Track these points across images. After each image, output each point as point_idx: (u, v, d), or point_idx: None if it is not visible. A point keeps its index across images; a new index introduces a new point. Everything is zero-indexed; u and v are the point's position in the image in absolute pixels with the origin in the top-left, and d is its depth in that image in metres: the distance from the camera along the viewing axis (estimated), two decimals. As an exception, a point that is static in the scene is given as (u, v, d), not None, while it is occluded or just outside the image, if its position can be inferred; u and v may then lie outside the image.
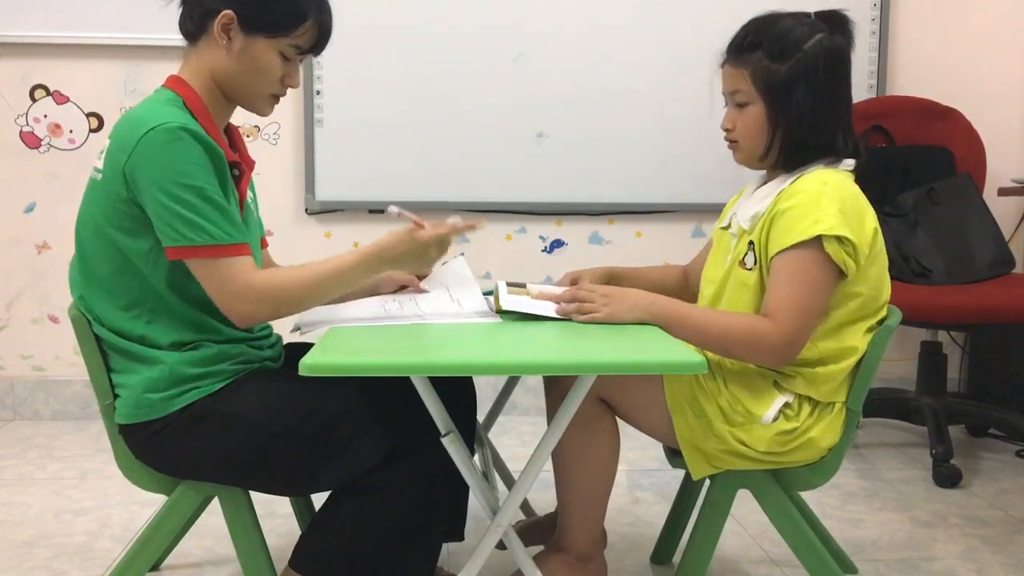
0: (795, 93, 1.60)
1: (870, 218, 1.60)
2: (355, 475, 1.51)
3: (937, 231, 2.85)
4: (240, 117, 1.69)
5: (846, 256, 1.53)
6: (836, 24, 1.65)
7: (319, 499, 1.62)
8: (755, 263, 1.62)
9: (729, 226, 1.75)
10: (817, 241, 1.52)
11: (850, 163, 1.65)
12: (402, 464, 1.52)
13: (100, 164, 1.53)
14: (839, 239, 1.52)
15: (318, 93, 3.04)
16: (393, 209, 1.66)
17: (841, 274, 1.56)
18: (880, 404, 2.98)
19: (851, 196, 1.59)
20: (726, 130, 1.70)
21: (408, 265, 1.56)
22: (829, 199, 1.55)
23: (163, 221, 1.45)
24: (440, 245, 1.56)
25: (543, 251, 3.23)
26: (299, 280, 1.51)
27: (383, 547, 1.52)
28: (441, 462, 1.49)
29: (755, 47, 1.63)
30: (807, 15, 1.66)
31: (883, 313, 1.66)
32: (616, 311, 1.56)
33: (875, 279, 1.62)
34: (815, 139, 1.62)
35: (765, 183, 1.70)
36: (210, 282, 1.47)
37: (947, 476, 2.57)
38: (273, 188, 3.06)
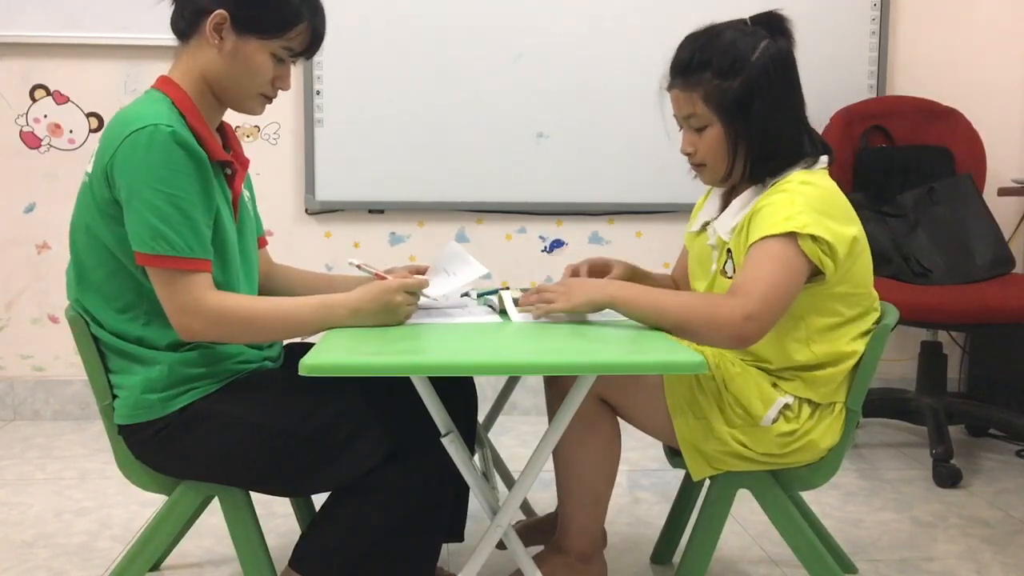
0: (752, 107, 1.57)
1: (848, 217, 1.58)
2: (355, 475, 1.51)
3: (937, 231, 2.85)
4: (241, 116, 1.69)
5: (822, 254, 1.51)
6: (775, 27, 1.62)
7: (319, 499, 1.62)
8: (735, 270, 1.62)
9: (703, 232, 1.74)
10: (791, 236, 1.50)
11: (824, 160, 1.64)
12: (402, 464, 1.52)
13: (90, 167, 1.53)
14: (813, 238, 1.50)
15: (318, 93, 3.04)
16: (353, 262, 1.66)
17: (818, 272, 1.54)
18: (880, 404, 2.98)
19: (828, 196, 1.57)
20: (687, 154, 1.67)
21: (378, 318, 1.52)
22: (804, 197, 1.53)
23: (132, 224, 1.45)
24: (404, 292, 1.53)
25: (543, 251, 3.23)
26: (252, 311, 1.50)
27: (383, 547, 1.52)
28: (441, 462, 1.49)
29: (703, 67, 1.59)
30: (744, 23, 1.63)
31: (876, 314, 1.65)
32: (573, 299, 1.54)
33: (859, 276, 1.61)
34: (782, 147, 1.60)
35: (736, 192, 1.68)
36: (162, 291, 1.47)
37: (947, 476, 2.57)
38: (273, 188, 3.06)
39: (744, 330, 1.46)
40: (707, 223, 1.73)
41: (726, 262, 1.64)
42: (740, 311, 1.45)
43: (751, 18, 1.64)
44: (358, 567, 1.53)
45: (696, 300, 1.55)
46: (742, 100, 1.57)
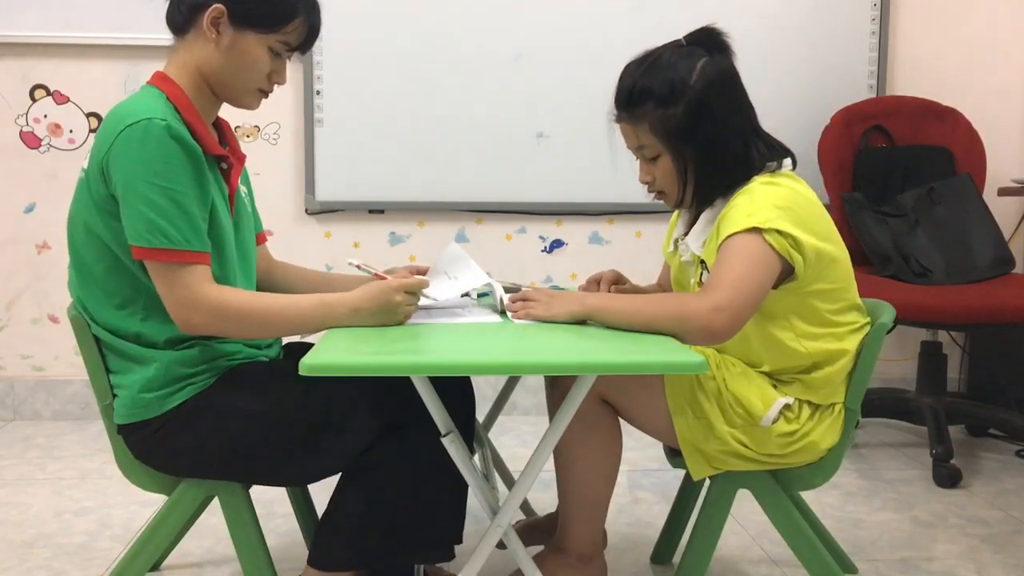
0: (697, 131, 1.57)
1: (818, 216, 1.58)
2: (352, 454, 1.51)
3: (937, 231, 2.85)
4: (241, 116, 1.69)
5: (790, 248, 1.51)
6: (711, 43, 1.61)
7: (320, 500, 1.62)
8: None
9: (678, 251, 1.74)
10: (755, 231, 1.50)
11: (788, 163, 1.64)
12: (398, 438, 1.51)
13: (86, 163, 1.53)
14: (779, 232, 1.50)
15: (318, 93, 3.04)
16: (353, 263, 1.67)
17: (789, 269, 1.54)
18: (880, 404, 2.98)
19: (791, 193, 1.56)
20: (646, 183, 1.67)
21: (378, 318, 1.52)
22: (766, 196, 1.54)
23: (128, 218, 1.45)
24: (404, 292, 1.52)
25: (543, 251, 3.23)
26: (251, 306, 1.50)
27: (405, 512, 1.52)
28: (436, 434, 1.47)
29: (644, 97, 1.59)
30: (680, 44, 1.62)
31: (861, 310, 1.65)
32: (553, 309, 1.55)
33: (836, 274, 1.60)
34: (729, 165, 1.60)
35: (702, 208, 1.67)
36: (160, 285, 1.47)
37: (947, 476, 2.57)
38: (273, 188, 3.06)
39: (712, 321, 1.45)
40: (677, 241, 1.74)
41: (702, 274, 1.64)
42: (706, 304, 1.45)
43: (686, 37, 1.63)
44: (385, 536, 1.52)
45: (666, 298, 1.57)
46: (687, 126, 1.57)
